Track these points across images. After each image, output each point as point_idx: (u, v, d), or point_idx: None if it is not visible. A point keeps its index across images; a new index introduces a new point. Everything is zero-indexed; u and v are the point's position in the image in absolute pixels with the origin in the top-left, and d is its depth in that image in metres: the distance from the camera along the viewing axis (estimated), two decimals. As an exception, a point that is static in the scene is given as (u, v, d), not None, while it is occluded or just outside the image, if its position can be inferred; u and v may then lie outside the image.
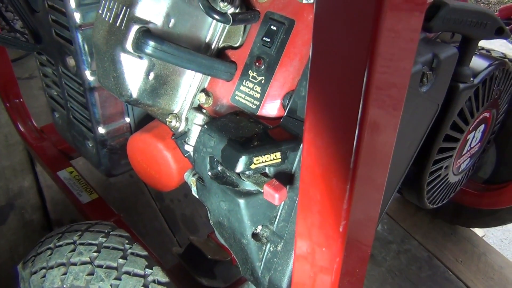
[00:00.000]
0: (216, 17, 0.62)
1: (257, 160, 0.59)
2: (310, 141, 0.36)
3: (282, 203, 0.63)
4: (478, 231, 1.46)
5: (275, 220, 0.65)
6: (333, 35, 0.33)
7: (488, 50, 1.08)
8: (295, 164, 0.62)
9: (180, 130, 0.75)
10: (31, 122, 1.37)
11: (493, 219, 1.24)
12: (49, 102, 1.10)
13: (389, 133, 0.38)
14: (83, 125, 0.98)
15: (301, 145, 0.62)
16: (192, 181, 0.73)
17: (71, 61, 0.88)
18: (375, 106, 0.34)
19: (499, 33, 0.71)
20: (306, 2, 0.57)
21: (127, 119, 0.96)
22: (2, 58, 1.29)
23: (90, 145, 1.00)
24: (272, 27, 0.66)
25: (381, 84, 0.33)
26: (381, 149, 0.37)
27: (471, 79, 0.75)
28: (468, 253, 1.36)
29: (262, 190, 0.59)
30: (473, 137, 0.88)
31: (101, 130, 0.93)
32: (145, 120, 0.95)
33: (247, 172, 0.60)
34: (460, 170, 0.93)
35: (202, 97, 0.72)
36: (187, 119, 0.74)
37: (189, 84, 0.73)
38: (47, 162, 1.23)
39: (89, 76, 0.86)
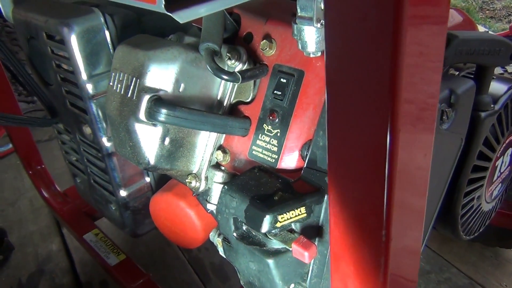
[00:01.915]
0: (225, 77, 0.63)
1: (282, 217, 0.58)
2: (336, 213, 0.34)
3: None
4: (519, 250, 1.40)
5: (307, 276, 0.62)
6: (348, 73, 0.31)
7: (502, 66, 1.06)
8: (322, 216, 0.60)
9: (201, 189, 0.74)
10: (54, 187, 1.38)
11: (534, 238, 1.18)
12: (70, 168, 1.11)
13: (421, 189, 0.36)
14: (104, 189, 0.98)
15: (326, 196, 0.60)
16: (218, 241, 0.72)
17: (87, 129, 0.89)
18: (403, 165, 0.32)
19: (514, 58, 0.69)
20: (314, 56, 0.56)
21: (147, 179, 0.96)
22: (22, 129, 1.32)
23: (113, 208, 1.00)
24: (282, 79, 0.66)
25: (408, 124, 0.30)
26: (414, 209, 0.36)
27: (492, 105, 0.73)
28: (512, 276, 1.30)
29: (290, 248, 0.58)
30: (502, 162, 0.85)
31: (123, 193, 0.93)
32: (166, 177, 0.95)
33: (273, 231, 0.59)
34: (493, 197, 0.89)
35: (219, 155, 0.72)
36: (206, 178, 0.74)
37: (205, 143, 0.73)
38: (73, 226, 1.23)
39: (106, 142, 0.86)
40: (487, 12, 4.41)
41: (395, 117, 0.28)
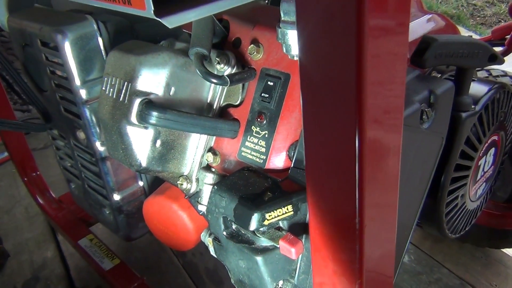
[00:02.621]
0: (214, 81, 0.65)
1: (269, 215, 0.60)
2: (314, 204, 0.36)
3: (300, 255, 0.63)
4: (509, 251, 1.42)
5: (295, 273, 0.64)
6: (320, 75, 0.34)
7: (487, 70, 1.09)
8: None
9: (192, 191, 0.76)
10: (49, 194, 1.39)
11: (522, 238, 1.21)
12: (64, 174, 1.13)
13: (392, 183, 0.38)
14: (98, 193, 1.00)
15: (312, 195, 0.62)
16: (208, 241, 0.73)
17: (81, 134, 0.90)
18: (372, 156, 0.34)
19: (492, 60, 0.72)
20: (297, 59, 0.58)
21: (141, 183, 0.98)
22: (17, 136, 1.34)
23: (107, 212, 1.01)
24: (269, 82, 0.68)
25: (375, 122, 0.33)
26: (386, 201, 0.38)
27: (473, 106, 0.76)
28: (501, 276, 1.32)
29: (278, 246, 0.59)
30: (485, 161, 0.87)
31: (116, 196, 0.95)
32: (158, 181, 0.97)
33: (261, 229, 0.61)
34: (477, 196, 0.91)
35: (209, 157, 0.74)
36: (197, 179, 0.76)
37: (196, 145, 0.75)
38: (68, 232, 1.25)
39: (99, 147, 0.88)
40: (477, 18, 4.47)
41: (361, 116, 0.30)
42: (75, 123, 0.90)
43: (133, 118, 0.66)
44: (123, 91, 0.67)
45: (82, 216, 1.31)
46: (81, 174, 1.02)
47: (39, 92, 0.97)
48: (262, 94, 0.69)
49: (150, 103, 0.65)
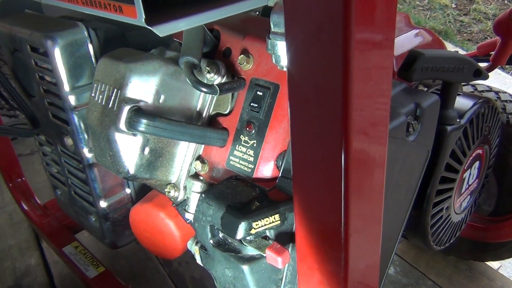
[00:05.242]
0: (204, 89, 0.65)
1: (256, 224, 0.60)
2: (300, 214, 0.37)
3: (286, 265, 0.63)
4: (493, 263, 1.43)
5: (281, 282, 0.64)
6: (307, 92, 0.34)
7: (473, 85, 1.11)
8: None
9: (179, 199, 0.76)
10: (35, 200, 1.38)
11: (505, 251, 1.22)
12: (50, 180, 1.11)
13: (377, 194, 0.38)
14: (84, 200, 0.99)
15: (299, 204, 0.62)
16: (195, 249, 0.73)
17: (68, 141, 0.90)
18: (358, 167, 0.35)
19: (477, 75, 0.73)
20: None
21: (128, 190, 0.97)
22: (3, 141, 1.32)
23: (93, 219, 1.00)
24: (258, 92, 0.69)
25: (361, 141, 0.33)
26: (371, 212, 0.38)
27: (458, 120, 0.77)
28: (485, 288, 1.33)
29: (264, 255, 0.60)
30: (470, 174, 0.88)
31: (103, 204, 0.94)
32: (146, 189, 0.96)
33: (248, 238, 0.61)
34: (462, 209, 0.93)
35: (198, 165, 0.74)
36: (185, 187, 0.76)
37: (184, 153, 0.75)
38: (52, 239, 1.23)
39: (87, 153, 0.88)
40: (464, 35, 4.55)
41: (348, 127, 0.31)
42: (63, 129, 0.89)
43: (122, 125, 0.66)
44: (113, 98, 0.67)
45: (67, 223, 1.30)
46: (67, 180, 1.02)
47: (28, 97, 0.96)
48: (251, 104, 0.69)
49: (139, 111, 0.65)
